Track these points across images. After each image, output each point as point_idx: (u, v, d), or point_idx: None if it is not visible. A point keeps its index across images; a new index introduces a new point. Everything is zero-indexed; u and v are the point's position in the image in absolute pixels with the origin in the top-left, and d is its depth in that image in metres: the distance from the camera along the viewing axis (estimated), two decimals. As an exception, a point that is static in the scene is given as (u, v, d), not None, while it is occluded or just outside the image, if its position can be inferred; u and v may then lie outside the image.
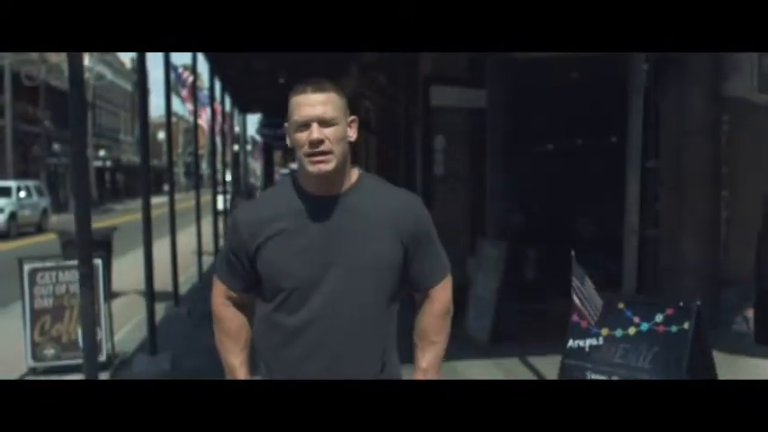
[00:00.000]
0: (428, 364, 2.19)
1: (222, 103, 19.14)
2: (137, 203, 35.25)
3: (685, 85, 6.80)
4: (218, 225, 14.92)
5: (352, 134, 2.10)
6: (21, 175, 30.84)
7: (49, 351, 6.30)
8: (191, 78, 16.32)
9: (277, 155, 38.05)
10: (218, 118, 17.69)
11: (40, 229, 24.02)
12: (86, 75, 45.82)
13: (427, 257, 2.16)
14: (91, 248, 4.42)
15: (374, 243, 2.06)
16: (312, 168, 2.01)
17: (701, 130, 6.78)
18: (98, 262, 6.13)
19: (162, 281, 8.15)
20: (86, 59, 47.82)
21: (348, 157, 2.08)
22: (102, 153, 48.60)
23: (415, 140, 8.95)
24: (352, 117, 2.09)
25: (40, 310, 6.27)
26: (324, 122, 2.00)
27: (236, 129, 27.96)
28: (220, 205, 16.35)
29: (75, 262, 6.08)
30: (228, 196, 21.37)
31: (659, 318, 3.58)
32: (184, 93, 17.46)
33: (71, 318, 6.31)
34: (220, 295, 2.21)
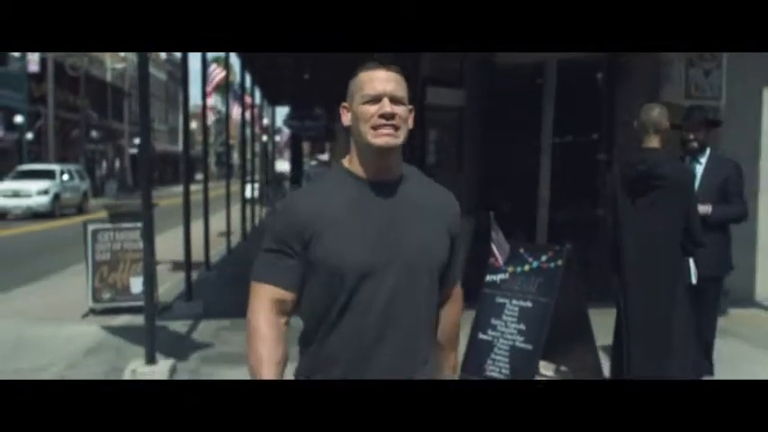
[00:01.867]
0: (455, 363, 2.30)
1: (252, 95, 20.88)
2: (169, 191, 37.28)
3: (632, 93, 8.33)
4: (246, 211, 16.72)
5: (411, 122, 2.05)
6: (60, 160, 32.96)
7: (106, 295, 8.07)
8: (220, 74, 17.96)
9: (306, 146, 39.89)
10: (248, 110, 19.40)
11: (80, 210, 26.09)
12: (124, 65, 48.01)
13: (456, 255, 2.18)
14: (151, 214, 6.02)
15: (433, 236, 2.05)
16: (379, 141, 1.95)
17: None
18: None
19: (196, 253, 9.85)
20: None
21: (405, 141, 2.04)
22: (137, 141, 50.67)
23: (413, 133, 10.55)
24: (411, 106, 2.05)
25: (100, 262, 8.03)
26: (395, 99, 1.97)
27: (266, 120, 29.81)
28: (248, 193, 18.13)
29: (128, 224, 7.90)
30: (257, 185, 23.14)
31: (544, 257, 5.12)
32: (209, 88, 19.19)
33: (124, 269, 8.07)
34: (260, 301, 2.03)
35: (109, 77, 47.30)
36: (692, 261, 4.61)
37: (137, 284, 7.90)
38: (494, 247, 5.34)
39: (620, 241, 4.55)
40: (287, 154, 41.84)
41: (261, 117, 27.77)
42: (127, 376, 5.55)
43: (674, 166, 4.43)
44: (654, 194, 4.36)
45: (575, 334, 5.20)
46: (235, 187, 17.78)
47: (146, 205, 5.79)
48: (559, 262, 4.99)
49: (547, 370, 5.46)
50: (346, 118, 2.06)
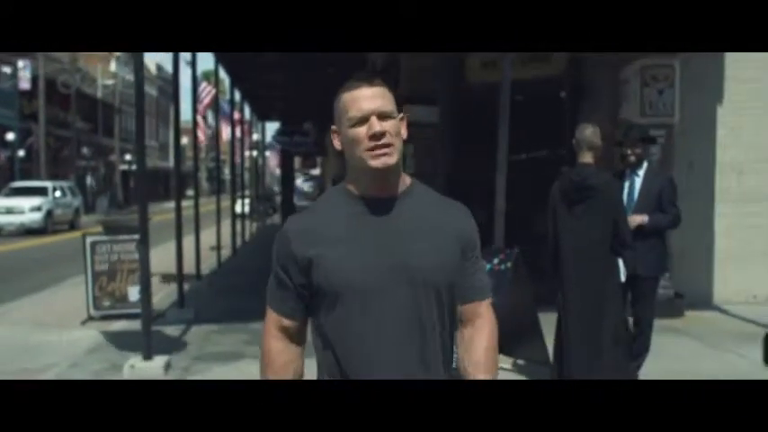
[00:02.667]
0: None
1: (242, 111, 21.64)
2: (160, 207, 37.80)
3: (594, 110, 9.10)
4: (236, 226, 17.44)
5: (404, 131, 2.02)
6: (52, 176, 33.63)
7: (106, 303, 8.77)
8: (211, 92, 18.68)
9: (297, 161, 40.62)
10: (238, 126, 20.11)
11: (72, 226, 26.76)
12: (114, 81, 48.73)
13: (477, 270, 2.12)
14: (146, 228, 6.72)
15: (438, 248, 1.99)
16: (376, 163, 1.92)
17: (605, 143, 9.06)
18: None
19: (188, 266, 10.51)
20: (113, 65, 50.93)
21: (401, 155, 2.00)
22: (128, 157, 51.41)
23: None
24: (401, 114, 2.01)
25: (99, 272, 8.74)
26: (382, 116, 1.92)
27: (256, 136, 30.59)
28: (239, 209, 18.84)
29: (125, 236, 8.61)
30: (247, 200, 23.85)
31: (496, 260, 5.85)
32: (200, 106, 19.88)
33: (122, 279, 8.77)
34: (271, 326, 2.07)
35: (99, 94, 48.01)
36: (620, 261, 5.32)
37: (134, 293, 8.60)
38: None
39: (558, 245, 5.27)
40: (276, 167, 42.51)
41: (251, 133, 28.54)
42: (126, 371, 6.25)
43: (603, 178, 5.16)
44: (587, 203, 5.09)
45: (526, 331, 5.92)
46: (226, 203, 18.49)
47: (142, 219, 6.51)
48: (509, 264, 5.72)
49: (505, 363, 6.18)
50: (337, 142, 2.04)
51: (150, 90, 64.92)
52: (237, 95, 19.27)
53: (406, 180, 2.04)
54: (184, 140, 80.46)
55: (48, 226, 24.84)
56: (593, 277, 5.12)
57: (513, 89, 10.41)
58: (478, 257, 2.13)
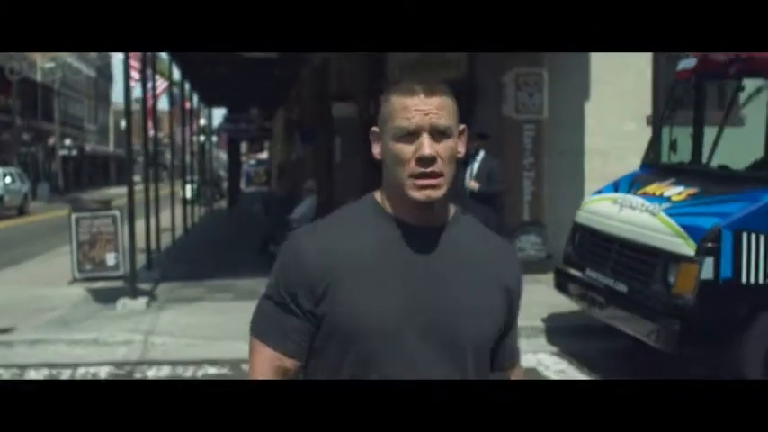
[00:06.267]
0: None
1: (191, 99, 24.34)
2: (100, 193, 40.00)
3: (485, 110, 12.20)
4: (186, 210, 20.15)
5: (462, 149, 1.76)
6: (-5, 163, 35.86)
7: (88, 267, 11.62)
8: (162, 85, 21.31)
9: (244, 146, 43.37)
10: (186, 113, 22.82)
11: (21, 211, 29.29)
12: (53, 64, 50.69)
13: (515, 326, 1.92)
14: (133, 205, 9.66)
15: (483, 299, 1.77)
16: (418, 195, 1.68)
17: (493, 135, 12.15)
18: (116, 213, 11.52)
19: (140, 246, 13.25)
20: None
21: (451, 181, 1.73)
22: (68, 142, 53.33)
23: (322, 140, 14.42)
24: (462, 126, 1.77)
25: (82, 242, 11.58)
26: (437, 133, 1.68)
27: (203, 121, 33.26)
28: (185, 194, 21.39)
29: (103, 212, 11.53)
30: (194, 186, 26.50)
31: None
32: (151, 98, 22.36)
33: (101, 247, 11.64)
34: (264, 367, 1.77)
35: (39, 77, 49.84)
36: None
37: (111, 259, 11.49)
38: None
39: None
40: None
41: (198, 118, 31.17)
42: (119, 307, 9.20)
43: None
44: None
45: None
46: (166, 191, 21.02)
47: (130, 198, 9.47)
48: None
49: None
50: (377, 148, 1.78)
51: (88, 71, 66.82)
52: (186, 85, 21.89)
53: (450, 209, 1.81)
54: (124, 123, 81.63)
55: (-1, 212, 27.40)
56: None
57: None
58: (517, 306, 1.91)
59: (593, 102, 12.62)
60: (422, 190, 1.68)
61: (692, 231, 6.01)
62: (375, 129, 1.79)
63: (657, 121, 8.36)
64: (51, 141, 50.60)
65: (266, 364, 1.78)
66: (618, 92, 12.62)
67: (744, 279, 5.88)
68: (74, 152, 55.69)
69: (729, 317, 5.93)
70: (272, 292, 1.79)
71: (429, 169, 1.67)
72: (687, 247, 5.97)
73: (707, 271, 5.86)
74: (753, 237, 5.89)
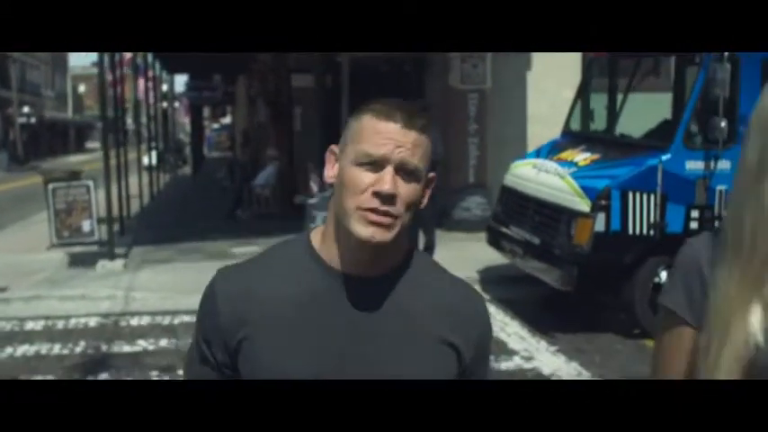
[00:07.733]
0: None
1: (153, 68, 25.32)
2: (61, 161, 40.83)
3: (433, 81, 13.49)
4: (151, 177, 21.25)
5: (425, 200, 1.57)
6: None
7: (65, 233, 12.82)
8: (128, 55, 22.28)
9: (207, 111, 44.22)
10: (149, 80, 23.83)
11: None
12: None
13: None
14: (109, 174, 10.88)
15: (421, 364, 1.56)
16: (362, 231, 1.47)
17: (440, 103, 13.47)
18: (90, 183, 12.73)
19: (117, 209, 14.46)
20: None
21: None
22: (26, 110, 53.70)
23: (283, 108, 15.65)
24: (432, 175, 1.57)
25: (59, 210, 12.76)
26: (404, 172, 1.48)
27: (165, 87, 34.14)
28: (146, 161, 22.26)
29: (78, 182, 12.73)
30: (158, 152, 27.47)
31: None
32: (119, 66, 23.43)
33: (77, 215, 12.83)
34: None
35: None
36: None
37: (86, 225, 12.71)
38: (311, 182, 10.43)
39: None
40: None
41: (160, 84, 32.02)
42: (98, 269, 10.46)
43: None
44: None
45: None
46: (133, 155, 22.07)
47: (106, 166, 10.70)
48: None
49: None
50: (332, 169, 1.56)
51: (44, 35, 66.58)
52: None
53: (397, 256, 1.59)
54: (81, 88, 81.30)
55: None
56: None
57: (369, 64, 14.76)
58: (488, 363, 1.72)
59: (533, 72, 13.96)
60: (368, 226, 1.47)
61: (588, 191, 7.40)
62: (334, 147, 1.58)
63: (576, 94, 9.66)
64: (10, 110, 50.97)
65: None
66: (556, 64, 13.97)
67: (630, 231, 7.30)
68: (32, 120, 56.03)
69: (618, 263, 7.35)
70: (195, 338, 1.66)
71: (384, 208, 1.46)
72: (584, 205, 7.37)
73: (599, 224, 7.27)
74: (638, 195, 7.30)
